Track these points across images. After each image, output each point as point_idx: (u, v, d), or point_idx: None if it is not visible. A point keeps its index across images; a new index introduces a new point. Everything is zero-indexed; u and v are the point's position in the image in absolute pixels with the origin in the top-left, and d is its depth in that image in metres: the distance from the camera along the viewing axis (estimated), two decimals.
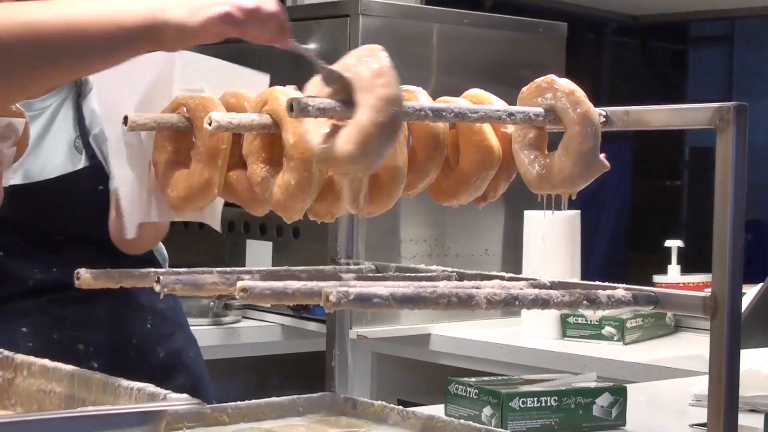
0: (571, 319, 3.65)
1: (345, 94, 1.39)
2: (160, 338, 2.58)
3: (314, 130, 1.41)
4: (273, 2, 1.60)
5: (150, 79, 1.68)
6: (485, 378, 2.11)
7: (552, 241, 3.61)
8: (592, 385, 2.08)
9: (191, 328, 2.78)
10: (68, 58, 1.59)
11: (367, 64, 1.38)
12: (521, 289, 1.52)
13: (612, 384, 2.10)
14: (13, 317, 2.38)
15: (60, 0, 1.65)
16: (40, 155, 2.49)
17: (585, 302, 1.55)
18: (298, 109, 1.37)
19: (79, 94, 2.53)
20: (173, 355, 2.60)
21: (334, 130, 1.39)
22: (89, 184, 2.44)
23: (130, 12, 1.57)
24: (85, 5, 1.62)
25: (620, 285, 1.61)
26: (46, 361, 1.45)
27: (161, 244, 2.60)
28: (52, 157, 2.47)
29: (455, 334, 3.82)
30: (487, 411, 2.00)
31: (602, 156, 1.62)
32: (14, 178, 2.45)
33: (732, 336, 1.53)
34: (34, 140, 2.49)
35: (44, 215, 2.20)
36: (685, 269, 4.01)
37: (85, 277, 1.64)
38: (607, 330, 3.58)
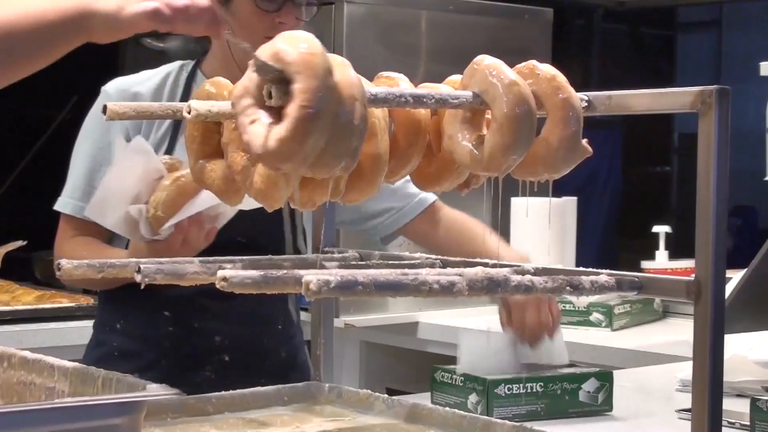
0: (559, 306, 3.64)
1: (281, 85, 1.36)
2: (286, 339, 2.61)
3: (258, 132, 1.39)
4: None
5: None
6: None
7: (540, 228, 3.61)
8: (578, 370, 2.08)
9: None
10: (3, 55, 1.64)
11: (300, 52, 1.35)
12: (504, 276, 1.51)
13: (598, 369, 2.10)
14: (158, 301, 2.45)
15: None
16: None
17: (568, 288, 1.54)
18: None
19: None
20: (292, 356, 2.63)
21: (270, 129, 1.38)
22: None
23: (56, 8, 1.63)
24: (16, 5, 1.67)
25: (604, 270, 1.61)
26: (27, 353, 1.45)
27: None
28: None
29: (443, 322, 3.82)
30: (473, 398, 2.00)
31: (584, 141, 1.61)
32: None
33: (716, 320, 1.53)
34: None
35: None
36: (675, 255, 4.02)
37: (66, 267, 1.63)
38: (595, 316, 3.58)
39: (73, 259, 1.66)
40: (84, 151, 2.54)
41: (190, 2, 1.61)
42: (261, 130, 1.32)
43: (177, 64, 2.63)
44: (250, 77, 1.35)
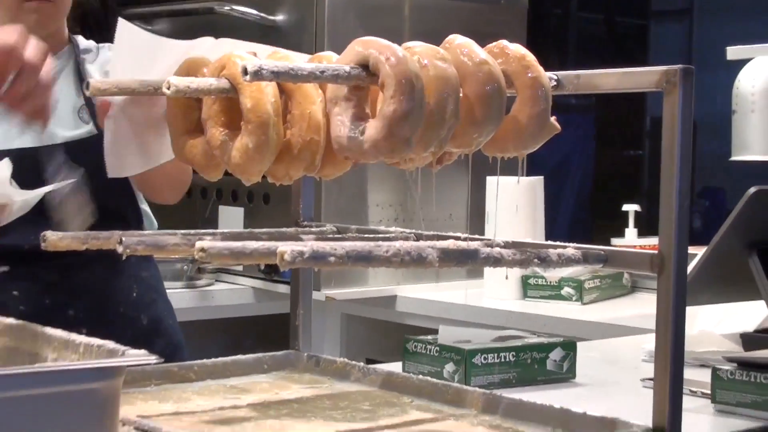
0: (531, 281, 3.66)
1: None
2: (144, 306, 2.58)
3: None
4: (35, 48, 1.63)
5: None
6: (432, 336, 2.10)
7: (514, 206, 3.62)
8: (546, 340, 2.08)
9: (170, 293, 2.78)
10: None
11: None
12: (474, 248, 1.51)
13: (562, 339, 2.10)
14: (6, 280, 2.36)
15: None
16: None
17: (536, 260, 1.54)
18: (252, 72, 1.36)
19: (78, 62, 2.51)
20: (155, 322, 2.60)
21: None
22: (94, 152, 2.42)
23: None
24: None
25: (571, 244, 1.61)
26: (11, 320, 1.44)
27: (154, 219, 2.60)
28: (58, 122, 2.44)
29: (420, 295, 3.83)
30: (449, 367, 2.00)
31: (553, 119, 1.61)
32: (22, 142, 2.43)
33: (678, 292, 1.53)
34: None
35: (42, 183, 2.15)
36: (644, 233, 4.02)
37: (51, 238, 1.62)
38: (566, 291, 3.59)
39: None
40: None
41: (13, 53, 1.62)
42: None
43: None
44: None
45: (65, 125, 2.43)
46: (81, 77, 2.48)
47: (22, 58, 1.65)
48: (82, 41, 2.56)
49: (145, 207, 2.62)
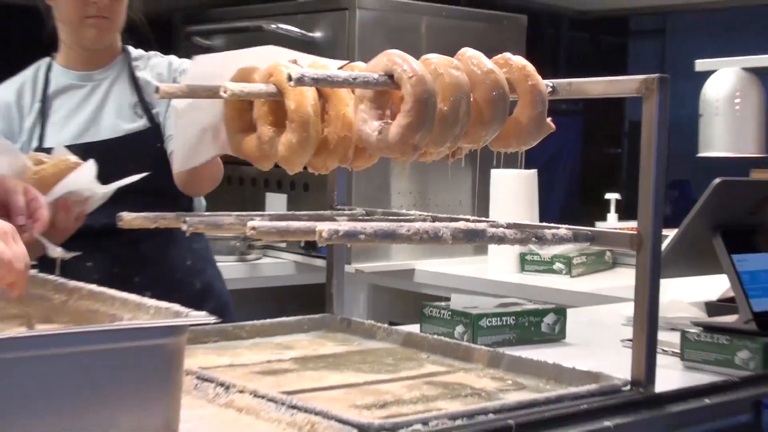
0: (528, 257, 3.65)
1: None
2: (196, 272, 2.59)
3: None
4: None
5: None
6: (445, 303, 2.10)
7: (513, 193, 3.61)
8: (541, 307, 2.08)
9: (221, 264, 2.79)
10: None
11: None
12: (482, 228, 1.51)
13: (555, 306, 2.10)
14: (82, 254, 2.36)
15: None
16: (104, 117, 2.48)
17: (534, 239, 1.54)
18: (296, 79, 1.36)
19: (131, 67, 2.52)
20: (206, 285, 2.61)
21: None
22: (150, 142, 2.44)
23: None
24: None
25: (563, 226, 1.61)
26: (93, 286, 1.45)
27: (203, 199, 2.60)
28: (115, 118, 2.46)
29: (435, 269, 3.83)
30: (459, 329, 1.99)
31: (549, 120, 1.60)
32: (86, 137, 2.45)
33: (653, 267, 1.52)
34: (97, 105, 2.50)
35: (110, 169, 2.16)
36: (624, 218, 4.01)
37: (126, 218, 1.63)
38: (557, 266, 3.58)
39: None
40: None
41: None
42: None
43: (43, 60, 2.58)
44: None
45: (125, 119, 2.45)
46: (134, 79, 2.50)
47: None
48: (133, 50, 2.58)
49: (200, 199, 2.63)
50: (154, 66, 2.54)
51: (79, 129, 2.42)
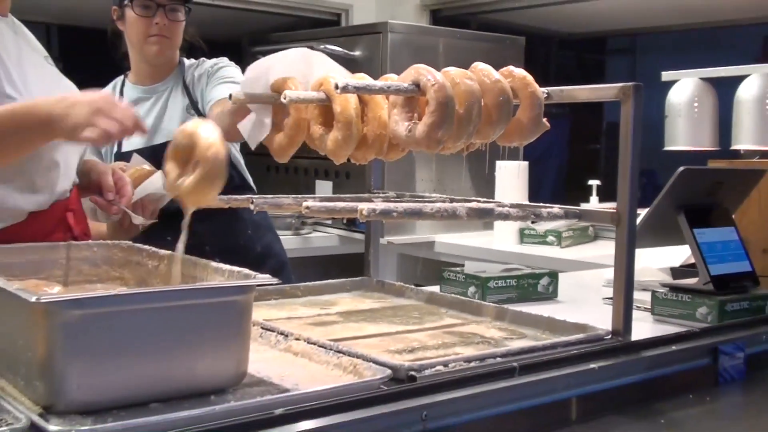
0: (526, 231, 3.63)
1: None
2: (257, 238, 2.59)
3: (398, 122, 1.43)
4: (131, 117, 1.56)
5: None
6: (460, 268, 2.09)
7: (509, 179, 3.60)
8: (537, 271, 2.06)
9: (282, 238, 2.79)
10: None
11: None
12: (491, 207, 1.49)
13: (548, 271, 2.08)
14: (161, 229, 2.36)
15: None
16: (165, 122, 2.49)
17: (533, 216, 1.52)
18: (342, 87, 1.34)
19: (184, 76, 2.52)
20: (265, 248, 2.61)
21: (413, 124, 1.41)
22: None
23: (29, 125, 1.58)
24: (8, 109, 1.62)
25: (556, 205, 1.58)
26: (180, 254, 1.44)
27: (253, 184, 2.61)
28: (174, 122, 2.46)
29: (451, 241, 3.82)
30: (472, 289, 1.98)
31: (545, 120, 1.58)
32: (153, 141, 2.45)
33: (630, 238, 1.50)
34: (159, 113, 2.50)
35: None
36: (603, 200, 3.98)
37: None
38: (550, 238, 3.56)
39: None
40: None
41: (119, 127, 1.56)
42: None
43: (118, 78, 2.59)
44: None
45: (181, 121, 2.46)
46: (185, 85, 2.50)
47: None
48: (187, 61, 2.58)
49: (248, 178, 2.62)
50: (202, 66, 2.53)
51: (147, 135, 2.42)
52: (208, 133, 1.28)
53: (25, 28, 1.95)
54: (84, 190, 2.00)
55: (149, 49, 2.45)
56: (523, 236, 3.64)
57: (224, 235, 2.51)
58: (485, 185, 3.98)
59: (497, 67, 1.56)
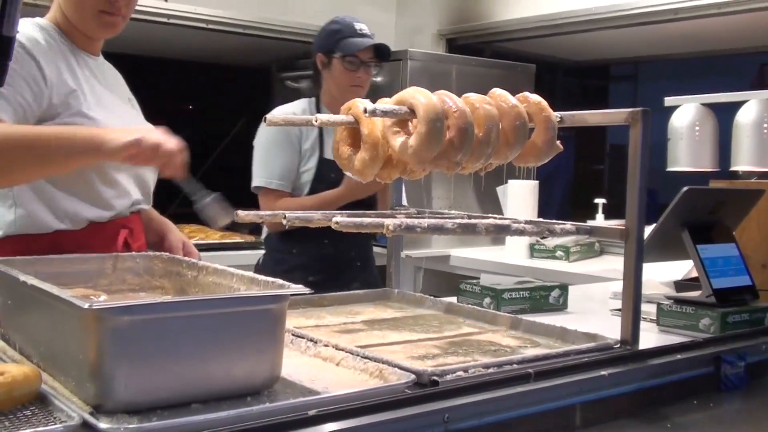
0: (536, 246, 3.62)
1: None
2: (367, 259, 2.78)
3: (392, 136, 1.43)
4: (174, 143, 1.55)
5: None
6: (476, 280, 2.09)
7: (521, 197, 3.60)
8: (548, 284, 2.06)
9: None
10: (39, 160, 1.58)
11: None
12: (507, 224, 1.49)
13: (559, 283, 2.08)
14: (288, 243, 2.58)
15: (48, 127, 1.65)
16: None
17: (546, 231, 1.53)
18: (369, 111, 1.35)
19: None
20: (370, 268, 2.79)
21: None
22: None
23: (80, 138, 1.57)
24: (54, 130, 1.62)
25: (568, 222, 1.59)
26: (217, 265, 1.45)
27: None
28: None
29: (465, 255, 3.81)
30: (487, 300, 1.98)
31: (558, 142, 1.58)
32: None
33: (638, 254, 1.50)
34: None
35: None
36: (608, 217, 3.97)
37: (240, 214, 1.61)
38: (559, 253, 3.55)
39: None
40: (275, 152, 2.53)
41: (159, 147, 1.55)
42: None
43: (306, 99, 2.64)
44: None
45: None
46: None
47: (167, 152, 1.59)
48: None
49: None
50: None
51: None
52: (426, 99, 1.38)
53: (114, 70, 1.96)
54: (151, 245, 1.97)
55: (348, 96, 2.48)
56: (533, 251, 3.63)
57: (361, 247, 2.71)
58: (490, 202, 3.98)
59: (510, 93, 1.57)
